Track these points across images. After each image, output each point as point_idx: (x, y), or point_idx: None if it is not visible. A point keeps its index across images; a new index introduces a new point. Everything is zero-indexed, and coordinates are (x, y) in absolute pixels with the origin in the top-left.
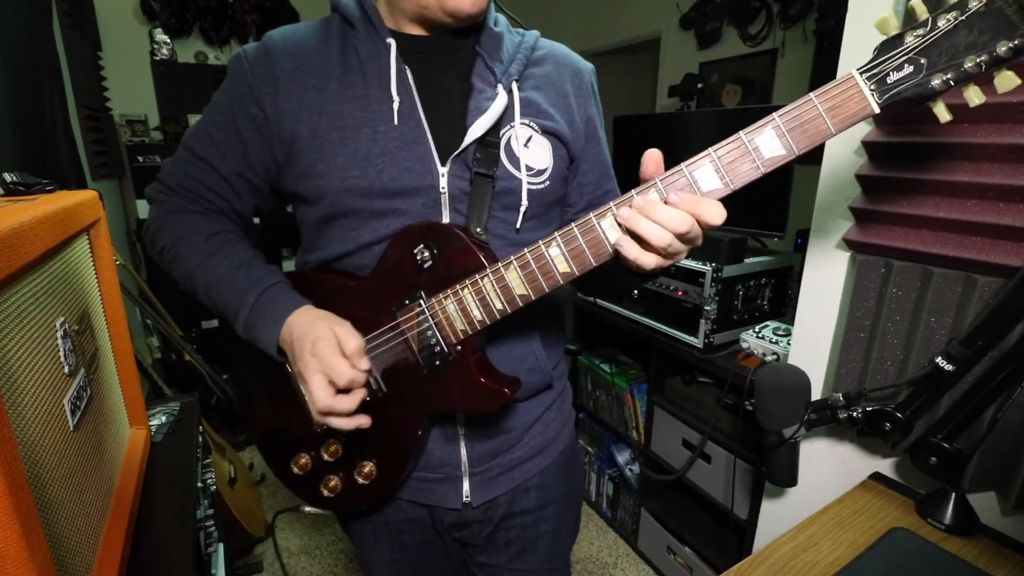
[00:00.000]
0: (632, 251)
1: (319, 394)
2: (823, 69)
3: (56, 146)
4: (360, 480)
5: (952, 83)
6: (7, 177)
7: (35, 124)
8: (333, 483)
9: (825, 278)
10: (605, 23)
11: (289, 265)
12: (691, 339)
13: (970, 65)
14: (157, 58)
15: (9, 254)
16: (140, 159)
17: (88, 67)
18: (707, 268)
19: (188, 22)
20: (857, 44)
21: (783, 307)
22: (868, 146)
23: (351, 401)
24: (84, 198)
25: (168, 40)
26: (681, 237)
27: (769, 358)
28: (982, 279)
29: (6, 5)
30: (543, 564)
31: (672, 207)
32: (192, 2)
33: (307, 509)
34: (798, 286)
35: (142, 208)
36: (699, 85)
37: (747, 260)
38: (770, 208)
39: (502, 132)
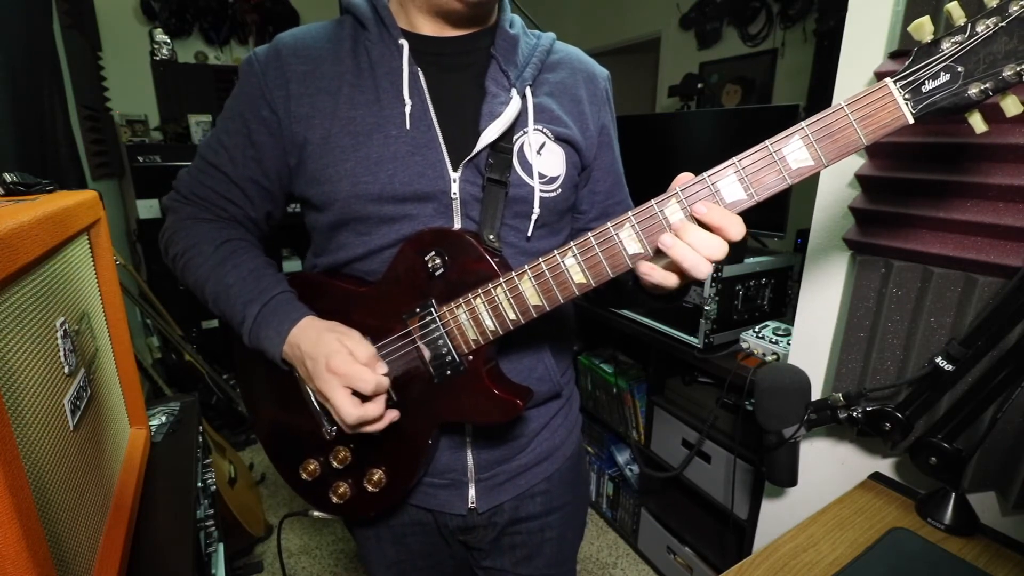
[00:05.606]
0: (656, 275)
1: (347, 409)
2: (823, 69)
3: (56, 146)
4: (369, 487)
5: (991, 92)
6: (7, 177)
7: (35, 124)
8: (342, 490)
9: (825, 278)
10: (605, 23)
11: (289, 265)
12: (691, 339)
13: (1009, 74)
14: (157, 58)
15: (9, 254)
16: (140, 159)
17: (88, 67)
18: None
19: (188, 22)
20: (857, 44)
21: (783, 307)
22: (868, 147)
23: (377, 406)
24: (84, 198)
25: (168, 40)
26: (711, 259)
27: (769, 358)
28: (982, 279)
29: (6, 5)
30: (549, 569)
31: (708, 231)
32: (192, 2)
33: (315, 514)
34: (798, 286)
35: (142, 208)
36: (699, 85)
37: (747, 260)
38: (770, 208)
39: (515, 138)
